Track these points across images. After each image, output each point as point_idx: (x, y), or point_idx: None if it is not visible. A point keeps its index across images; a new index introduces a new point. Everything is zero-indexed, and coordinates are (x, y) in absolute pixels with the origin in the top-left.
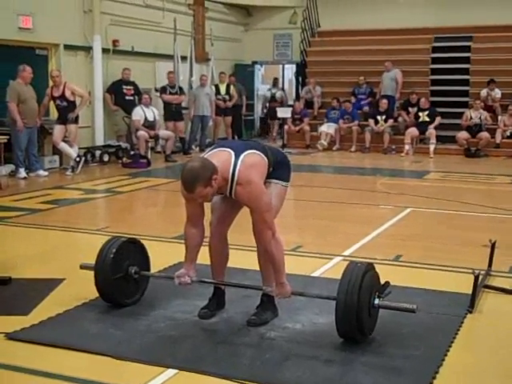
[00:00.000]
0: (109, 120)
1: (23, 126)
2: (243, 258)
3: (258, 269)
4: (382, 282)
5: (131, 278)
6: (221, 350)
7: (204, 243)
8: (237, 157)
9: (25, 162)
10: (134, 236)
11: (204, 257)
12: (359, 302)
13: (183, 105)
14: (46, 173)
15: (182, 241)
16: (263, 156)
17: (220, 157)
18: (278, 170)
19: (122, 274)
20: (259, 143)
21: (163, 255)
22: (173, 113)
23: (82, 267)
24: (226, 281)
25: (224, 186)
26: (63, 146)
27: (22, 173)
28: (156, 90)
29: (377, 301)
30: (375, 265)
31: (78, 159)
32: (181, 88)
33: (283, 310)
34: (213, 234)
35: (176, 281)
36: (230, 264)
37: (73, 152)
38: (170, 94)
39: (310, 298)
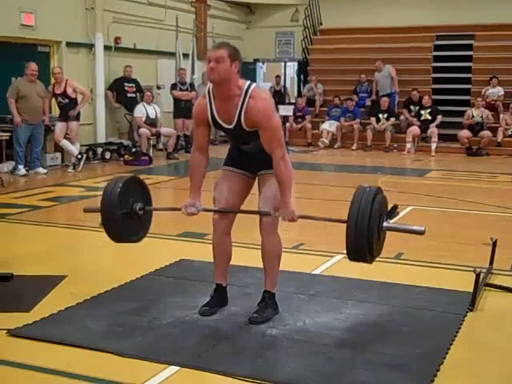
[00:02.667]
0: (110, 117)
1: (20, 121)
2: (245, 256)
3: (259, 267)
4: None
5: (136, 215)
6: (222, 348)
7: (207, 240)
8: (250, 83)
9: (26, 159)
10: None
11: (208, 255)
12: (370, 225)
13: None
14: (45, 170)
15: (183, 238)
16: None
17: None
18: None
19: (128, 209)
20: None
21: (166, 252)
22: (182, 109)
23: (86, 210)
24: (228, 280)
25: (236, 100)
26: (65, 143)
27: (22, 170)
28: (158, 88)
29: (385, 223)
30: (376, 263)
31: (79, 156)
32: (192, 85)
33: (285, 307)
34: (216, 228)
35: (183, 211)
36: (235, 262)
37: (74, 149)
38: (180, 90)
39: (320, 221)
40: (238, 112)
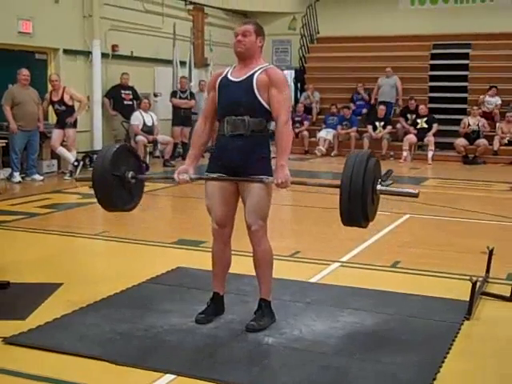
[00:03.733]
0: (107, 125)
1: (16, 128)
2: (242, 264)
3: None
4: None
5: (128, 183)
6: (219, 356)
7: (204, 248)
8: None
9: (22, 166)
10: (134, 240)
11: (204, 262)
12: (364, 188)
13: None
14: (41, 177)
15: (180, 246)
16: None
17: None
18: None
19: (120, 177)
20: None
21: (162, 260)
22: (181, 118)
23: (78, 180)
24: (225, 290)
25: (255, 65)
26: (61, 150)
27: (17, 177)
28: (155, 95)
29: (379, 186)
30: (373, 271)
31: (76, 163)
32: (192, 93)
33: (281, 315)
34: (215, 237)
35: (175, 177)
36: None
37: (71, 156)
38: (180, 98)
39: (313, 186)
40: (252, 71)
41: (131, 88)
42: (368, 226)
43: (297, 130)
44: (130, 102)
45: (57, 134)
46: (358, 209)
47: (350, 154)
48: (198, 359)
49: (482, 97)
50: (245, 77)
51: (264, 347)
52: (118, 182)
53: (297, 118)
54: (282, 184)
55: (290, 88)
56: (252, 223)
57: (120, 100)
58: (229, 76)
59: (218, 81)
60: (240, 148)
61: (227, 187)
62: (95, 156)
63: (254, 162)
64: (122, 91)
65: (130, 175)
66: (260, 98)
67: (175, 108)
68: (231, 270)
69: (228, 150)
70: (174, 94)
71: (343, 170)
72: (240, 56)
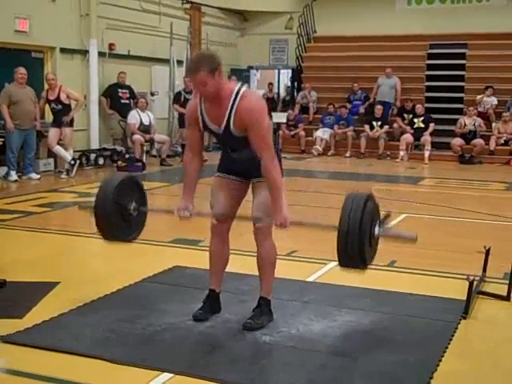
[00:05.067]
0: (104, 123)
1: (13, 127)
2: (240, 263)
3: (254, 274)
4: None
5: (129, 215)
6: (216, 355)
7: (200, 247)
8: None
9: (18, 165)
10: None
11: (201, 261)
12: (361, 231)
13: None
14: (38, 176)
15: (177, 245)
16: None
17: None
18: None
19: (122, 207)
20: None
21: (159, 259)
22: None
23: (80, 207)
24: (222, 287)
25: (225, 107)
26: (58, 149)
27: (13, 175)
28: (152, 94)
29: (377, 230)
30: (369, 270)
31: (72, 162)
32: None
33: (278, 314)
34: (213, 233)
35: (175, 214)
36: (230, 269)
37: (68, 155)
38: (185, 99)
39: (310, 226)
40: (227, 113)
41: (128, 87)
42: (366, 269)
43: (292, 133)
44: (127, 101)
45: (53, 133)
46: (355, 253)
47: (348, 195)
48: (196, 358)
49: (479, 96)
50: (224, 125)
51: (261, 346)
52: (119, 213)
53: (290, 122)
54: (281, 225)
55: (266, 115)
56: (258, 220)
57: (117, 99)
58: (205, 118)
59: (200, 120)
60: (244, 163)
61: (236, 182)
62: (100, 184)
63: (260, 168)
64: (119, 90)
65: (132, 207)
66: (246, 138)
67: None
68: (229, 269)
69: (234, 162)
70: (177, 96)
71: (341, 212)
72: (208, 98)
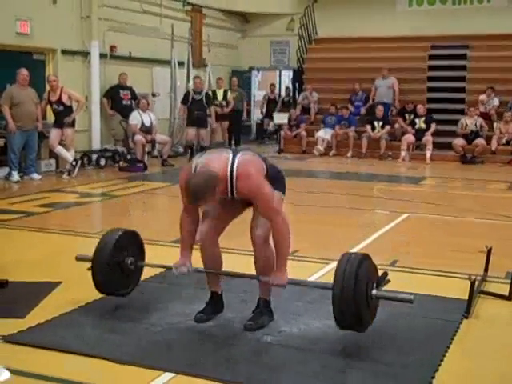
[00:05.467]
0: (106, 124)
1: (15, 128)
2: (240, 262)
3: (253, 273)
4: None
5: (126, 269)
6: (218, 355)
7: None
8: (234, 156)
9: (20, 166)
10: None
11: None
12: (355, 293)
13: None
14: (39, 176)
15: (179, 244)
16: (259, 157)
17: (219, 159)
18: (275, 183)
19: (119, 262)
20: (258, 154)
21: (160, 259)
22: (194, 120)
23: (78, 259)
24: (224, 286)
25: (225, 187)
26: (59, 149)
27: (15, 176)
28: (153, 95)
29: (374, 291)
30: None
31: (74, 163)
32: (207, 95)
33: (280, 314)
34: (203, 239)
35: (174, 271)
36: (226, 268)
37: (69, 156)
38: (193, 100)
39: (306, 286)
40: (230, 193)
41: (129, 88)
42: (366, 330)
43: (294, 133)
44: (129, 102)
45: (55, 134)
46: (350, 315)
47: (343, 256)
48: (197, 357)
49: (482, 97)
50: (230, 196)
51: (263, 346)
52: (116, 268)
53: (292, 123)
54: (277, 286)
55: (266, 185)
56: (260, 234)
57: (118, 100)
58: None
59: None
60: None
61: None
62: (101, 236)
63: None
64: (121, 91)
65: (129, 261)
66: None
67: (189, 110)
68: (230, 269)
69: None
70: (186, 97)
71: (335, 273)
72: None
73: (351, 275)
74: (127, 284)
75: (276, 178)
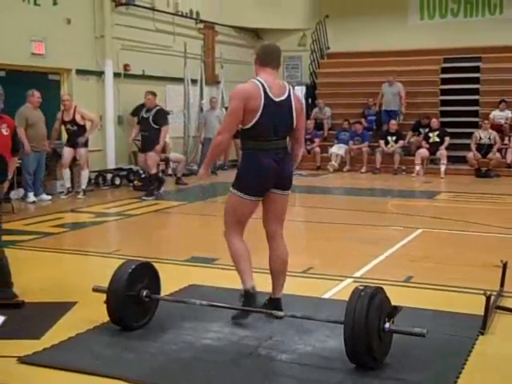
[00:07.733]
0: (120, 143)
1: (30, 150)
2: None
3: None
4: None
5: (141, 301)
6: (232, 373)
7: (216, 265)
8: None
9: (34, 186)
10: (144, 259)
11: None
12: (367, 327)
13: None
14: (49, 197)
15: (193, 263)
16: None
17: None
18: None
19: (134, 296)
20: None
21: (174, 278)
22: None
23: (94, 290)
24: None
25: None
26: (65, 172)
27: (31, 197)
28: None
29: (387, 325)
30: (385, 286)
31: (68, 189)
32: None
33: (294, 332)
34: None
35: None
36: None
37: (68, 181)
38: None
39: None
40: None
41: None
42: (377, 365)
43: (308, 148)
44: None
45: (67, 153)
46: (362, 350)
47: (355, 290)
48: (211, 376)
49: (492, 114)
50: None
51: (277, 364)
52: (131, 300)
53: (307, 136)
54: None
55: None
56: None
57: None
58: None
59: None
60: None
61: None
62: (114, 272)
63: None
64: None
65: (144, 294)
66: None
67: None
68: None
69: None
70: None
71: (346, 307)
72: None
73: (362, 312)
74: (144, 315)
75: None
